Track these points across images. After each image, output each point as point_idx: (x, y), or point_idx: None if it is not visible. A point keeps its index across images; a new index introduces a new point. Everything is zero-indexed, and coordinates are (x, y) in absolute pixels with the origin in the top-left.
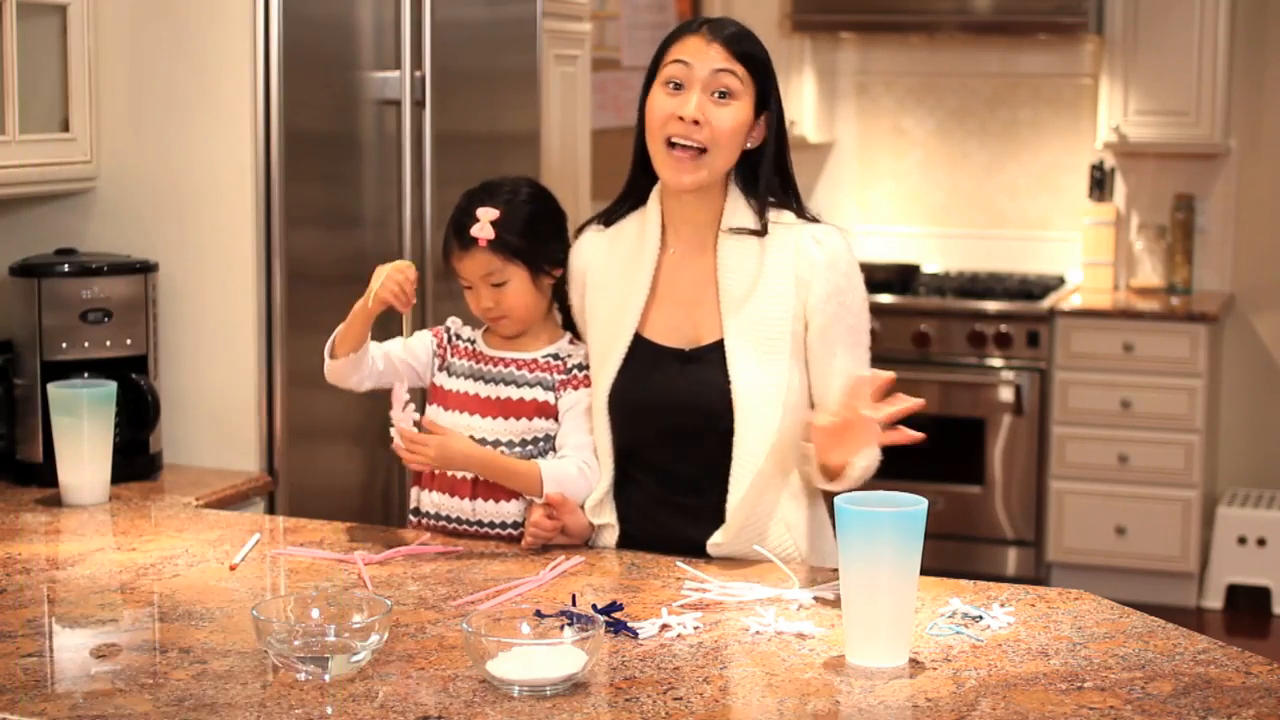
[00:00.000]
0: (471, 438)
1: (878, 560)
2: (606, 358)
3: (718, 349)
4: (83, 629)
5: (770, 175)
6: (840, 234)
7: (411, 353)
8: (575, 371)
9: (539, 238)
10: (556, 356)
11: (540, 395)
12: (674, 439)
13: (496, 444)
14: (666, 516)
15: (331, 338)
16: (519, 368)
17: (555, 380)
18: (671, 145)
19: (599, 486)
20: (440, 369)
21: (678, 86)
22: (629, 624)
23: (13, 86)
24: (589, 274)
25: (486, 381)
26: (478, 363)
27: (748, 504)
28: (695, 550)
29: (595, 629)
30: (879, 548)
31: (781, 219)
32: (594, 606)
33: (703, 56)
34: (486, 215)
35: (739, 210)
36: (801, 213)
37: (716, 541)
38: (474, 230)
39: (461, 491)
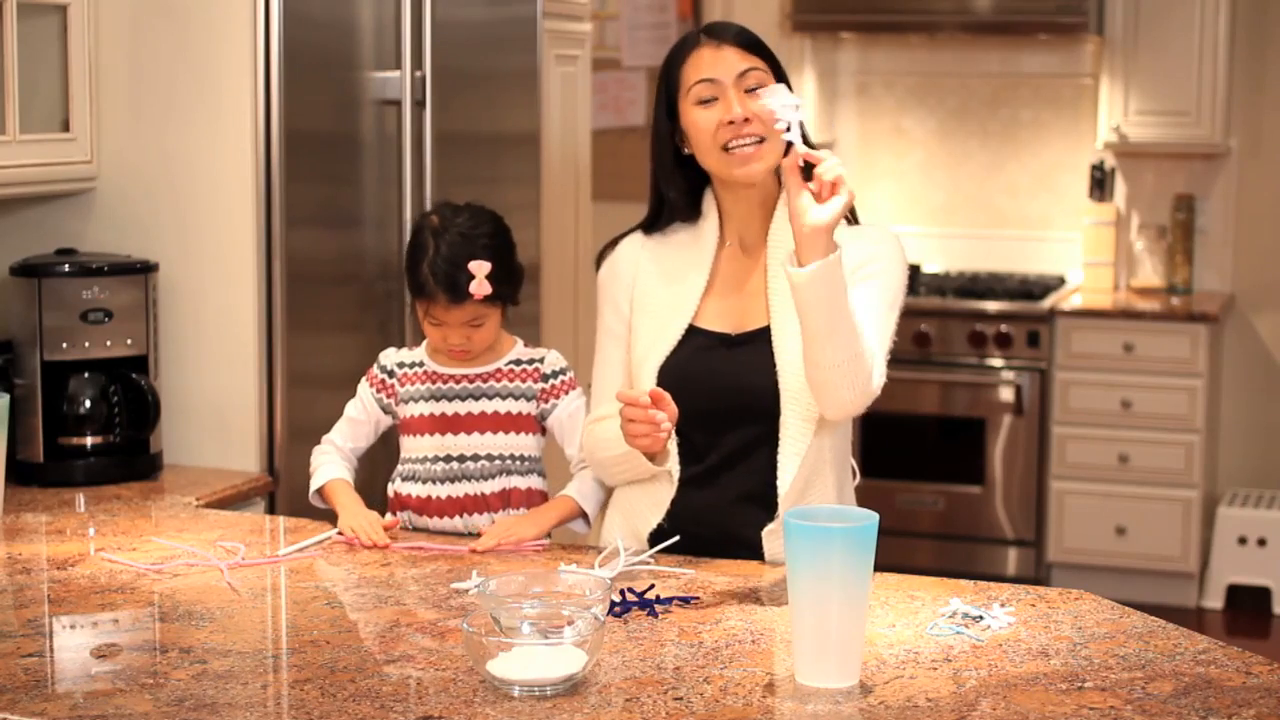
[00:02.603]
0: (447, 457)
1: (828, 577)
2: (656, 343)
3: (764, 334)
4: (83, 629)
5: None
6: (891, 234)
7: (361, 423)
8: (556, 379)
9: (517, 278)
10: (520, 363)
11: (514, 407)
12: (716, 419)
13: (462, 459)
14: (703, 499)
15: (317, 486)
16: (484, 381)
17: (535, 390)
18: (728, 150)
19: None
20: (399, 404)
21: (711, 100)
22: (655, 602)
23: (13, 86)
24: (640, 272)
25: (450, 399)
26: (435, 383)
27: (797, 487)
28: (734, 537)
29: (595, 629)
30: (829, 564)
31: None
32: (627, 589)
33: (721, 65)
34: (481, 270)
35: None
36: (853, 219)
37: (772, 528)
38: (472, 287)
39: (450, 511)
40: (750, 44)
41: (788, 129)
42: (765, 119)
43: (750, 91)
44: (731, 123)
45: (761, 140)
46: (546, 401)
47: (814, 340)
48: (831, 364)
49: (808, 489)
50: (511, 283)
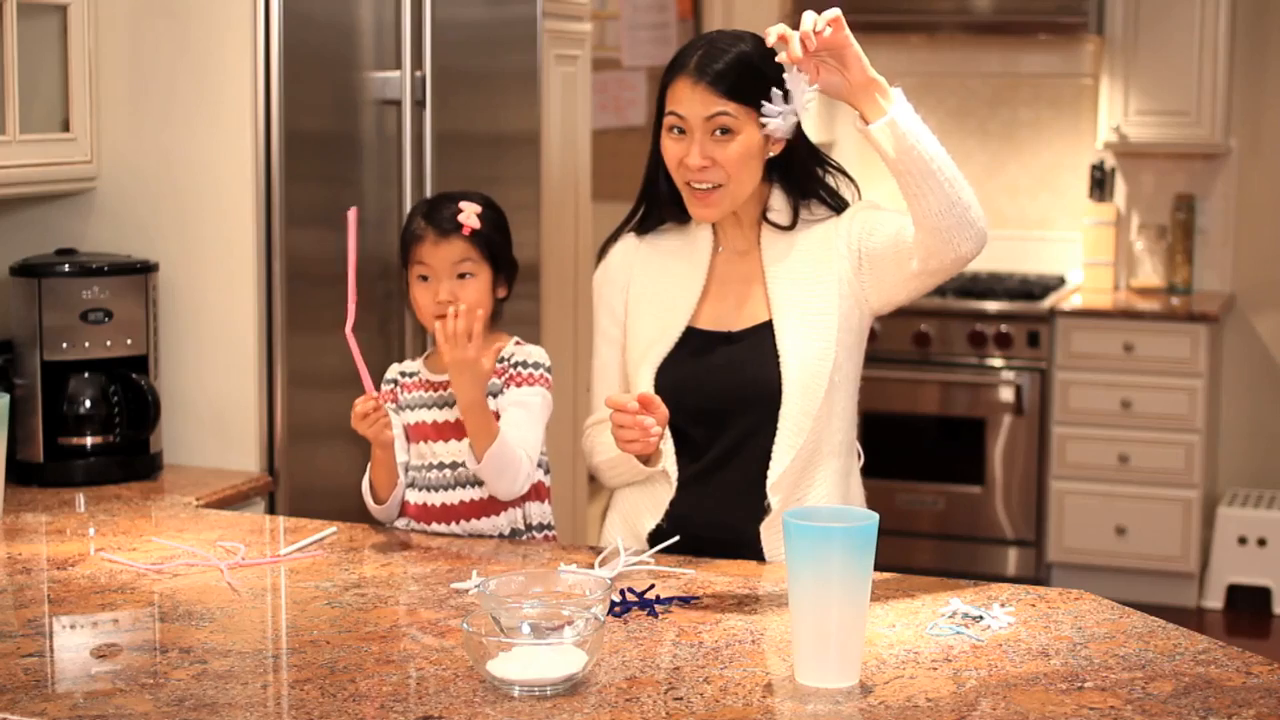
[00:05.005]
0: (441, 464)
1: (828, 577)
2: (654, 345)
3: (765, 328)
4: (83, 629)
5: (803, 176)
6: (857, 202)
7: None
8: (515, 370)
9: (507, 244)
10: (503, 360)
11: (494, 405)
12: (716, 415)
13: (454, 465)
14: (702, 497)
15: (367, 487)
16: None
17: (499, 385)
18: (687, 184)
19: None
20: (400, 410)
21: (681, 131)
22: (655, 602)
23: (13, 86)
24: (634, 275)
25: (442, 406)
26: (429, 391)
27: (789, 479)
28: (733, 534)
29: (595, 629)
30: (829, 564)
31: (818, 214)
32: (627, 589)
33: (693, 104)
34: (471, 207)
35: (778, 207)
36: (839, 208)
37: (769, 523)
38: (461, 217)
39: (446, 518)
40: (733, 86)
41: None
42: (727, 165)
43: (723, 133)
44: (690, 166)
45: (718, 187)
46: (505, 389)
47: (916, 191)
48: (939, 211)
49: (803, 479)
50: (502, 242)
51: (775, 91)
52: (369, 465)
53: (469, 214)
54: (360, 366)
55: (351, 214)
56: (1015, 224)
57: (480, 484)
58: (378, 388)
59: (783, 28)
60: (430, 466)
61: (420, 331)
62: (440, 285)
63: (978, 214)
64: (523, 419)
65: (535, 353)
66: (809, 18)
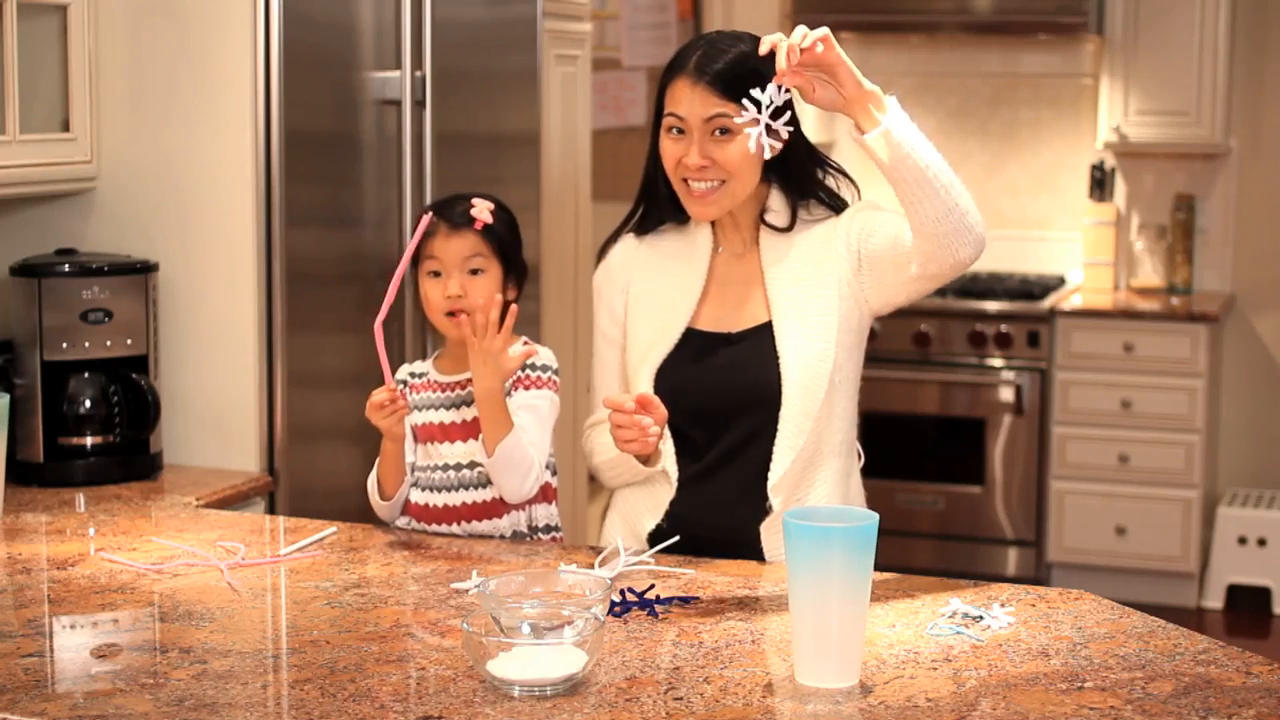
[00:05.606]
0: (446, 465)
1: (828, 577)
2: (654, 346)
3: (765, 329)
4: (83, 629)
5: (802, 177)
6: (855, 204)
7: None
8: (523, 373)
9: (517, 245)
10: None
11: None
12: (716, 416)
13: (459, 467)
14: (702, 498)
15: (373, 482)
16: None
17: (507, 388)
18: (686, 182)
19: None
20: (409, 411)
21: (680, 131)
22: (655, 602)
23: (13, 86)
24: (634, 276)
25: (449, 408)
26: (437, 391)
27: (789, 480)
28: (734, 534)
29: (595, 629)
30: (829, 564)
31: (817, 214)
32: (627, 589)
33: (692, 105)
34: (484, 203)
35: (776, 208)
36: (838, 208)
37: (769, 523)
38: (474, 211)
39: (447, 519)
40: (732, 87)
41: (762, 123)
42: (727, 165)
43: (723, 133)
44: (689, 165)
45: (721, 183)
46: (512, 391)
47: (912, 199)
48: (936, 218)
49: (803, 480)
50: (513, 241)
51: (746, 101)
52: (377, 461)
53: (481, 209)
54: (383, 359)
55: (426, 217)
56: (1015, 224)
57: (484, 486)
58: None
59: (778, 36)
60: (436, 468)
61: (420, 331)
62: (450, 280)
63: (975, 219)
64: (531, 422)
65: (543, 354)
66: (799, 32)
